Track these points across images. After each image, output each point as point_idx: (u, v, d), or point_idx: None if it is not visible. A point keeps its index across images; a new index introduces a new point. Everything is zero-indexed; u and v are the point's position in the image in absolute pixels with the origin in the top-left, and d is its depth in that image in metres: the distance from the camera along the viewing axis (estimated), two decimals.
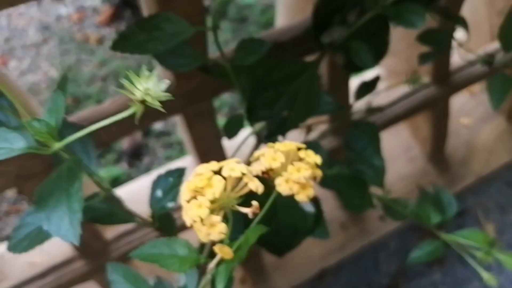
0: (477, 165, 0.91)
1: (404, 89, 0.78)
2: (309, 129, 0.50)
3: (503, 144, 0.93)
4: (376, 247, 0.86)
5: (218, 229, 0.25)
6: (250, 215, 0.26)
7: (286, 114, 0.43)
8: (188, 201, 0.26)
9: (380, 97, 0.78)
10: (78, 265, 0.68)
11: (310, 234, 0.44)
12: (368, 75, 0.95)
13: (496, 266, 0.86)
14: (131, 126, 0.54)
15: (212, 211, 0.27)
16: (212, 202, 0.26)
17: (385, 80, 0.91)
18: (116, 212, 0.37)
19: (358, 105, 0.65)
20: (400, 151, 0.91)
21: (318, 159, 0.29)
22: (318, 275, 0.83)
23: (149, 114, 0.58)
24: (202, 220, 0.25)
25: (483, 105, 0.95)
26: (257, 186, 0.26)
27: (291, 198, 0.45)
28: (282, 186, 0.27)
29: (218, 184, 0.25)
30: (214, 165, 0.26)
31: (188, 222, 0.26)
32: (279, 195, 0.44)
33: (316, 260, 0.84)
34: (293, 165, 0.28)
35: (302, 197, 0.27)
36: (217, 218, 0.25)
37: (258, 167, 0.28)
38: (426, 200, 0.53)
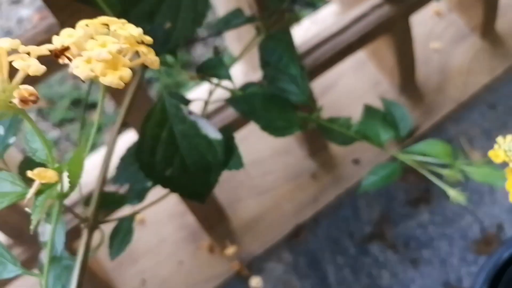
0: (454, 90, 0.82)
1: (355, 12, 0.70)
2: (216, 51, 0.42)
3: (480, 64, 0.84)
4: (354, 195, 0.79)
5: None
6: (20, 104, 0.19)
7: (169, 26, 0.35)
8: None
9: (330, 26, 0.70)
10: (15, 254, 0.61)
11: (225, 167, 0.37)
12: (323, 11, 0.87)
13: (489, 194, 0.78)
14: None
15: None
16: None
17: (340, 15, 0.83)
18: None
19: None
20: (368, 87, 0.83)
21: (136, 31, 0.21)
22: (293, 232, 0.76)
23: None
24: None
25: (453, 25, 0.86)
26: (28, 65, 0.19)
27: (190, 125, 0.38)
28: (80, 68, 0.20)
29: None
30: None
31: None
32: (175, 121, 0.37)
33: (289, 216, 0.77)
34: (96, 40, 0.20)
35: (111, 80, 0.20)
36: None
37: (46, 47, 0.20)
38: (373, 117, 0.45)
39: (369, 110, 0.46)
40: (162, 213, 0.78)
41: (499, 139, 0.36)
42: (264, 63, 0.40)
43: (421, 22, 0.86)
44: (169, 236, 0.77)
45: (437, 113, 0.81)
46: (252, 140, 0.80)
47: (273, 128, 0.38)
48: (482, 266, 0.73)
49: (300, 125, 0.39)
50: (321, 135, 0.51)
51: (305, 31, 0.78)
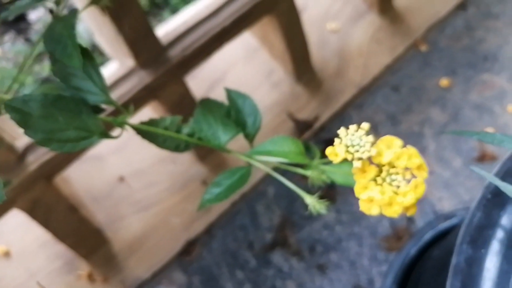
0: (355, 74, 0.76)
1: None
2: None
3: (381, 44, 0.77)
4: (251, 199, 0.70)
5: None
6: None
7: None
8: None
9: (199, 11, 0.60)
10: None
11: None
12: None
13: None
14: None
15: None
16: None
17: None
18: None
19: None
20: (261, 78, 0.74)
21: None
22: (184, 249, 0.67)
23: None
24: None
25: (350, 3, 0.79)
26: None
27: None
28: None
29: None
30: None
31: None
32: None
33: (179, 232, 0.67)
34: None
35: None
36: None
37: None
38: (212, 114, 0.36)
39: (206, 105, 0.37)
40: (30, 243, 0.66)
41: (341, 131, 0.27)
42: (51, 56, 0.30)
43: (316, 1, 0.78)
44: (40, 268, 0.65)
45: (338, 100, 0.74)
46: (131, 148, 0.70)
47: (59, 141, 0.28)
48: (390, 265, 0.66)
49: (102, 132, 0.30)
50: None
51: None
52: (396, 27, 0.78)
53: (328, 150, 0.27)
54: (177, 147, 0.35)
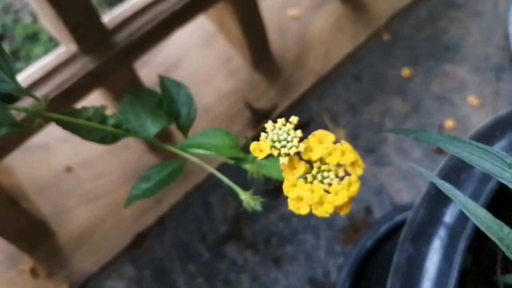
0: (315, 62, 0.74)
1: None
2: None
3: (342, 32, 0.76)
4: (206, 190, 0.68)
5: None
6: None
7: None
8: None
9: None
10: None
11: None
12: None
13: None
14: None
15: None
16: None
17: None
18: None
19: None
20: (217, 65, 0.72)
21: None
22: (134, 242, 0.64)
23: None
24: None
25: None
26: None
27: None
28: None
29: None
30: None
31: None
32: None
33: (129, 224, 0.65)
34: None
35: None
36: None
37: None
38: (142, 103, 0.34)
39: (136, 94, 0.34)
40: None
41: (268, 124, 0.25)
42: None
43: None
44: None
45: (298, 88, 0.72)
46: None
47: None
48: (346, 258, 0.65)
49: (12, 123, 0.27)
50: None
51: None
52: (359, 15, 0.76)
53: (253, 146, 0.25)
54: (103, 139, 0.32)
